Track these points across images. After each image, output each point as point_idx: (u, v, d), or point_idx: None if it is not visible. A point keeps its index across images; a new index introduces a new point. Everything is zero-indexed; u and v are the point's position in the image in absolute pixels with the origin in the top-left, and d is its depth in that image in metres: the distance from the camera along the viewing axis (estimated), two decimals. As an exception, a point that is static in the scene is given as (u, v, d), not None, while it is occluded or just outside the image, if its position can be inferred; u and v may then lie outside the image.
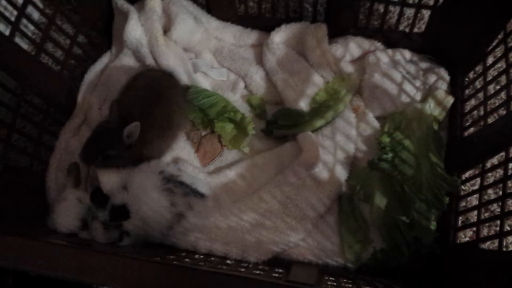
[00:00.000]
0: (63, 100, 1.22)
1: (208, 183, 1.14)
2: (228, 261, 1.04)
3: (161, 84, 1.09)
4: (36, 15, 1.38)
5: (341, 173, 1.13)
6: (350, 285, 0.95)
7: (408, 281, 1.05)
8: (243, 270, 0.90)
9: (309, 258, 1.09)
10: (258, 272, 0.87)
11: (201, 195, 1.05)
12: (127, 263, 0.59)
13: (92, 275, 0.62)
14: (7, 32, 1.03)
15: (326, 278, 0.99)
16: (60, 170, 1.15)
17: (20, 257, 0.64)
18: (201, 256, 1.04)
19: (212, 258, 1.03)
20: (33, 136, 1.16)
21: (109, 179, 1.00)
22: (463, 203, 1.14)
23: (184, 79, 1.25)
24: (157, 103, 1.05)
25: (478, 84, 1.19)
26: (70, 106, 1.22)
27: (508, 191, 0.95)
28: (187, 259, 0.90)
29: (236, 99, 1.28)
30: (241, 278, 0.60)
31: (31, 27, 1.24)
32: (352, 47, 1.26)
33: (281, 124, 1.19)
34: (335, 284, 0.94)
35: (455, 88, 1.25)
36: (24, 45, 1.18)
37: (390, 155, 1.13)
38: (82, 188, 0.97)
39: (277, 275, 0.93)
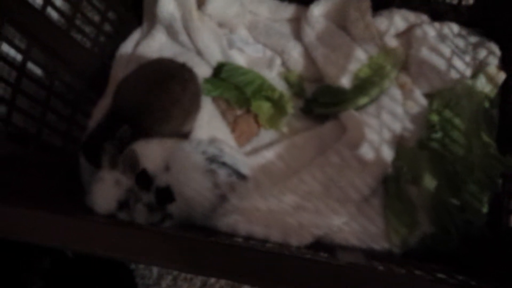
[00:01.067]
0: (95, 78, 1.17)
1: (247, 164, 1.10)
2: (270, 244, 1.00)
3: (168, 76, 1.02)
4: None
5: (388, 154, 1.07)
6: (403, 271, 0.90)
7: (458, 266, 0.99)
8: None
9: (353, 242, 1.04)
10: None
11: (243, 177, 1.00)
12: (181, 242, 0.55)
13: (140, 255, 0.58)
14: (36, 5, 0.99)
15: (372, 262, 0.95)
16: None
17: (59, 235, 0.61)
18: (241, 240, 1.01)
19: (254, 242, 0.99)
20: (65, 115, 1.13)
21: (151, 160, 0.95)
22: (517, 185, 1.07)
23: (218, 56, 1.20)
24: (157, 97, 0.99)
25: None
26: (103, 84, 1.18)
27: None
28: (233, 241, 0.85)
29: (273, 76, 1.22)
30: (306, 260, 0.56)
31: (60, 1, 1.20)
32: (397, 20, 1.19)
33: (321, 102, 1.13)
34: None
35: (506, 63, 1.17)
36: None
37: (439, 134, 1.07)
38: (119, 169, 0.93)
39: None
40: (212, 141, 1.13)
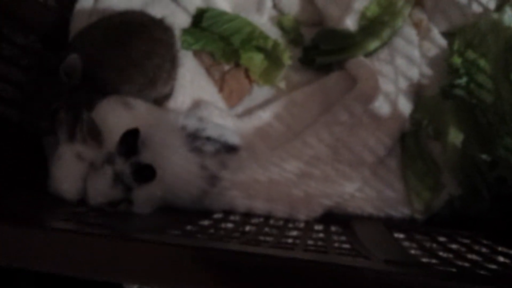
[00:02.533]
0: (51, 35, 0.98)
1: (236, 131, 0.94)
2: (272, 221, 0.86)
3: (136, 29, 0.87)
4: None
5: (405, 106, 0.91)
6: (428, 242, 0.78)
7: (489, 231, 0.87)
8: (295, 237, 0.71)
9: (369, 210, 0.91)
10: (315, 242, 0.67)
11: (233, 149, 0.85)
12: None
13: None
14: None
15: (396, 235, 0.82)
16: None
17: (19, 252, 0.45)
18: (237, 218, 0.86)
19: (255, 220, 0.84)
20: (21, 82, 0.94)
21: (118, 130, 0.79)
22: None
23: (197, 0, 1.02)
24: (122, 53, 0.84)
25: None
26: (61, 41, 0.99)
27: None
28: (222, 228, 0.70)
29: (264, 22, 1.05)
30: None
31: None
32: None
33: (324, 49, 0.96)
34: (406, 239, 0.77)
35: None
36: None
37: (464, 79, 0.91)
38: (79, 140, 0.77)
39: (338, 237, 0.75)
40: (195, 104, 0.97)
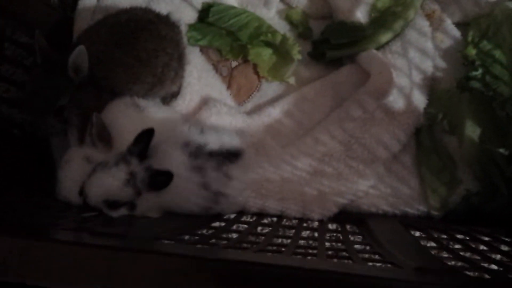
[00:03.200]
0: (56, 35, 0.96)
1: (245, 128, 0.92)
2: (286, 222, 0.84)
3: (140, 28, 0.84)
4: None
5: (419, 100, 0.89)
6: (445, 240, 0.75)
7: (509, 227, 0.84)
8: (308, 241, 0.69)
9: (384, 208, 0.89)
10: (333, 245, 0.65)
11: (236, 155, 0.81)
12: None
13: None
14: None
15: (413, 232, 0.80)
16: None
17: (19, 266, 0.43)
18: (251, 219, 0.84)
19: (265, 221, 0.82)
20: (25, 83, 0.92)
21: (128, 131, 0.76)
22: None
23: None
24: (126, 53, 0.82)
25: None
26: (66, 41, 0.96)
27: None
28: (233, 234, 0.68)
29: (272, 16, 1.02)
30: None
31: None
32: None
33: (334, 43, 0.93)
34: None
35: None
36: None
37: (479, 71, 0.88)
38: (88, 144, 0.75)
39: (355, 237, 0.73)
40: (204, 101, 0.95)
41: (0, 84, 0.89)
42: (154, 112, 0.82)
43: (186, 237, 0.64)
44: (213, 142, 0.79)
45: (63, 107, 0.78)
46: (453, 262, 0.58)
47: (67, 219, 0.63)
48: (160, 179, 0.70)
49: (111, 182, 0.69)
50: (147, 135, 0.71)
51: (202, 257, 0.40)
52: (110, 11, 0.93)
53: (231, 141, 0.82)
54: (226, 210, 0.81)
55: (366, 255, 0.55)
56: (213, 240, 0.60)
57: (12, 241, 0.42)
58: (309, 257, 0.51)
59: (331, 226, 0.82)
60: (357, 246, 0.64)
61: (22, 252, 0.42)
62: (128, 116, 0.78)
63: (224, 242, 0.61)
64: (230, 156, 0.80)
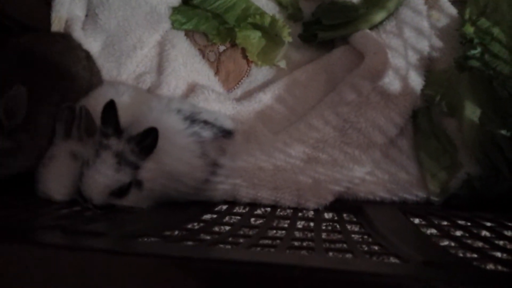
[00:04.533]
0: (31, 23, 0.90)
1: (235, 115, 0.88)
2: (280, 212, 0.80)
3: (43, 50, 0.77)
4: None
5: (416, 81, 0.85)
6: (447, 227, 0.72)
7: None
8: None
9: (381, 195, 0.85)
10: (331, 236, 0.61)
11: (229, 133, 0.78)
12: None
13: None
14: None
15: (412, 219, 0.76)
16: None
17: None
18: (243, 209, 0.80)
19: (258, 211, 0.78)
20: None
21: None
22: None
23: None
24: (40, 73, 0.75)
25: None
26: (43, 29, 0.90)
27: None
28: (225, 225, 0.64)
29: (259, -4, 0.97)
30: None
31: None
32: None
33: (326, 24, 0.89)
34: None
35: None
36: None
37: (478, 50, 0.85)
38: (74, 138, 0.70)
39: (353, 227, 0.69)
40: (190, 88, 0.91)
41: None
42: (136, 94, 0.78)
43: (175, 232, 0.60)
44: (206, 113, 0.75)
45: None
46: (457, 251, 0.54)
47: (44, 216, 0.58)
48: (148, 140, 0.65)
49: (104, 175, 0.64)
50: (109, 108, 0.66)
51: (186, 257, 0.36)
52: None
53: (224, 120, 0.79)
54: (218, 193, 0.77)
55: (366, 247, 0.51)
56: (202, 236, 0.55)
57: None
58: (305, 252, 0.47)
59: (327, 215, 0.78)
60: (356, 237, 0.60)
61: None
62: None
63: (216, 236, 0.57)
64: (224, 131, 0.76)
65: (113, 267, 0.35)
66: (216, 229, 0.61)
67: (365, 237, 0.60)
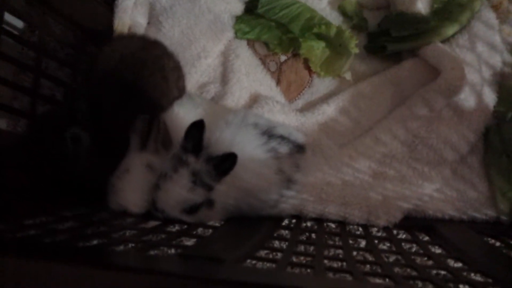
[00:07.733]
0: (96, 28, 0.89)
1: (299, 127, 0.86)
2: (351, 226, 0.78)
3: (140, 58, 0.78)
4: None
5: (490, 97, 0.83)
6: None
7: None
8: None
9: (450, 213, 0.83)
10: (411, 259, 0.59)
11: (301, 148, 0.77)
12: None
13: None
14: None
15: (485, 239, 0.74)
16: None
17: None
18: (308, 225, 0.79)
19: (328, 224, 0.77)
20: (61, 79, 0.86)
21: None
22: None
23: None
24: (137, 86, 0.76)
25: None
26: (107, 35, 0.90)
27: None
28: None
29: (323, 6, 0.96)
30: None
31: None
32: None
33: (396, 35, 0.87)
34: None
35: None
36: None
37: (552, 66, 0.82)
38: (150, 150, 0.69)
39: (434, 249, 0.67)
40: (253, 99, 0.89)
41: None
42: (210, 107, 0.77)
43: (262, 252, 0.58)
44: (280, 128, 0.74)
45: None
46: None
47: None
48: (226, 165, 0.64)
49: (178, 192, 0.63)
50: (197, 127, 0.65)
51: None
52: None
53: (297, 134, 0.77)
54: (287, 208, 0.75)
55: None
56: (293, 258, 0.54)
57: None
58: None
59: (400, 234, 0.76)
60: (452, 264, 0.58)
61: None
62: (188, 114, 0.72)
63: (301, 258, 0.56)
64: (298, 147, 0.75)
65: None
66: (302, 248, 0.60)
67: (459, 264, 0.58)
